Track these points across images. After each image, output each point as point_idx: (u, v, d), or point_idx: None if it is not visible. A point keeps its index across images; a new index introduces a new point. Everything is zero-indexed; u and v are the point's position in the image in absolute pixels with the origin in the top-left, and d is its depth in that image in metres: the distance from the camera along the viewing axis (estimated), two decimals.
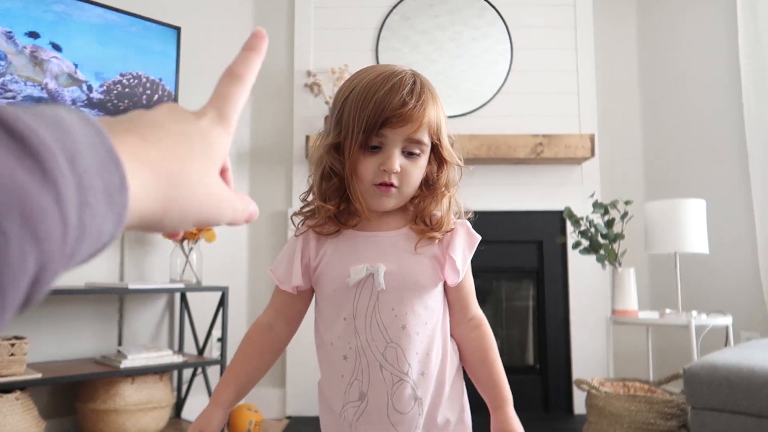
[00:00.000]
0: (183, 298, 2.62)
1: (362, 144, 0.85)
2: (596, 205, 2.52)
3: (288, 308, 0.95)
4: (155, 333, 2.61)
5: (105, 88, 2.38)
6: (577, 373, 2.87)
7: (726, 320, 2.38)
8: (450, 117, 3.03)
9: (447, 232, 0.89)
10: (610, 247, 2.49)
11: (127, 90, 2.44)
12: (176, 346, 2.64)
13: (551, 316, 2.98)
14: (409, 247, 0.88)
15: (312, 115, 3.02)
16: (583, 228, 2.56)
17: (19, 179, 0.21)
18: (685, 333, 2.30)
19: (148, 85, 2.50)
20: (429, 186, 0.91)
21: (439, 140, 0.89)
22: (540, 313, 3.01)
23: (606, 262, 2.53)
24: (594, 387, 2.18)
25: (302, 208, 0.95)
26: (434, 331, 0.89)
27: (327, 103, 2.94)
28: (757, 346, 1.99)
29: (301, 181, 2.98)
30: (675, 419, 2.05)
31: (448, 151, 0.91)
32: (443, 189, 0.90)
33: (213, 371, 2.52)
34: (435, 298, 0.90)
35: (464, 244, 0.91)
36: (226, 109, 0.36)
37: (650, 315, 2.47)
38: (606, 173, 3.09)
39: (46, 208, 0.21)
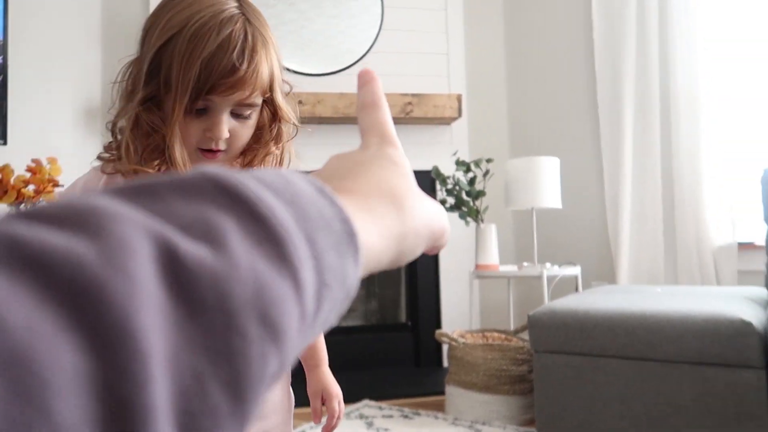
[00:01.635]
0: None
1: (186, 107, 0.75)
2: (458, 163, 2.58)
3: None
4: None
5: None
6: (446, 327, 2.96)
7: (575, 270, 2.55)
8: (320, 75, 2.96)
9: None
10: (473, 204, 2.56)
11: None
12: None
13: (422, 274, 3.04)
14: None
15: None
16: (449, 187, 2.61)
17: (258, 269, 0.18)
18: (541, 284, 2.43)
19: None
20: (257, 139, 0.82)
21: (272, 93, 0.79)
22: (411, 271, 3.07)
23: (469, 219, 2.61)
24: (453, 339, 2.26)
25: (108, 155, 0.82)
26: None
27: None
28: (598, 292, 2.14)
29: None
30: (526, 364, 2.16)
31: (281, 106, 0.81)
32: (271, 146, 0.82)
33: None
34: None
35: None
36: (385, 131, 0.36)
37: (510, 268, 2.59)
38: (474, 133, 3.17)
39: (285, 300, 0.19)
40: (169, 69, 0.74)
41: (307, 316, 0.21)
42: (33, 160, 2.25)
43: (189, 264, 0.17)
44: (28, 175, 2.21)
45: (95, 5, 2.75)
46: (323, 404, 0.92)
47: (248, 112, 0.78)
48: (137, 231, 0.17)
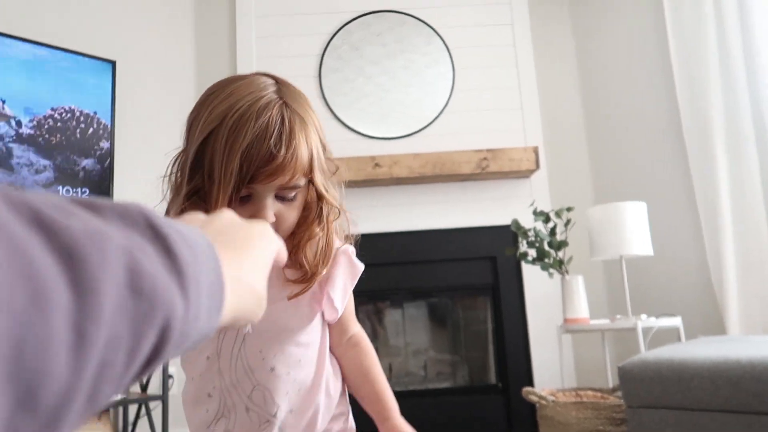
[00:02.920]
0: None
1: (230, 197, 0.76)
2: (536, 213, 2.51)
3: None
4: None
5: (35, 123, 2.36)
6: (538, 387, 2.80)
7: (675, 321, 2.35)
8: (397, 138, 3.05)
9: (324, 272, 0.82)
10: (555, 255, 2.46)
11: (59, 124, 2.42)
12: None
13: (510, 332, 2.92)
14: (281, 288, 0.80)
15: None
16: (530, 239, 2.54)
17: (172, 292, 0.26)
18: (633, 336, 2.26)
19: (81, 119, 2.49)
20: (304, 219, 0.82)
21: (312, 174, 0.79)
22: (498, 330, 2.96)
23: (554, 271, 2.51)
24: (542, 397, 2.12)
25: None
26: (309, 365, 0.82)
27: None
28: (696, 342, 1.95)
29: None
30: (624, 424, 1.98)
31: (321, 189, 0.81)
32: (315, 227, 0.82)
33: (156, 408, 2.43)
34: (310, 334, 0.83)
35: (345, 276, 0.84)
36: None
37: (603, 322, 2.43)
38: (554, 184, 3.09)
39: (179, 321, 0.27)
40: (212, 162, 0.75)
41: (183, 336, 0.27)
42: None
43: (143, 270, 0.25)
44: None
45: (190, 81, 3.02)
46: None
47: (292, 194, 0.78)
48: (115, 236, 0.25)
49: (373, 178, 2.92)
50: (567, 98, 3.29)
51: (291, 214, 0.79)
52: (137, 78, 2.78)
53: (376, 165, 2.95)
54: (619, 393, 2.24)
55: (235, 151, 0.73)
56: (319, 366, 0.84)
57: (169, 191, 0.84)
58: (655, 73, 2.94)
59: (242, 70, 3.06)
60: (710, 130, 2.62)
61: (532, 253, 2.55)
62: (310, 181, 0.80)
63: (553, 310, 2.86)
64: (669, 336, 2.49)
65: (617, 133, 3.11)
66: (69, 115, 2.46)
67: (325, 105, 3.08)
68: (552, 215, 2.51)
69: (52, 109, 2.42)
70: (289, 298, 0.80)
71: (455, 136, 3.06)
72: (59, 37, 2.52)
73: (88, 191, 2.43)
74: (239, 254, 0.37)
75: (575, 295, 2.45)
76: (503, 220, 2.95)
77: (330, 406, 0.86)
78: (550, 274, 2.50)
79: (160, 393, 2.33)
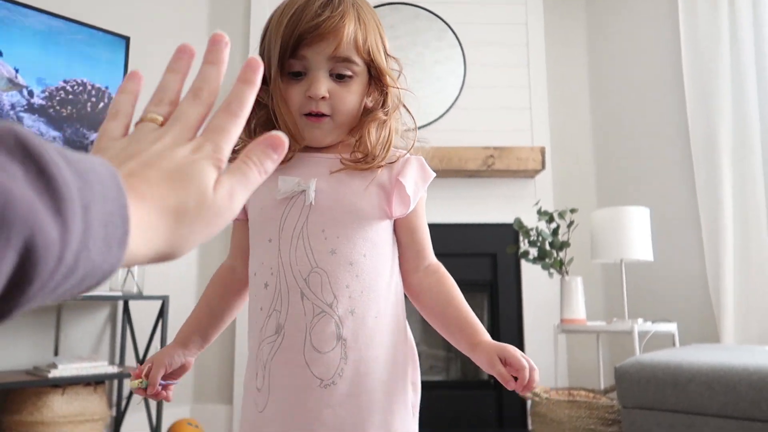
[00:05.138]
0: (125, 309, 2.56)
1: (283, 70, 0.78)
2: (540, 213, 2.53)
3: (245, 243, 0.85)
4: (96, 345, 2.53)
5: (47, 94, 2.36)
6: None
7: (671, 327, 2.37)
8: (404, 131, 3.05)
9: (383, 164, 0.79)
10: (556, 255, 2.48)
11: (70, 97, 2.42)
12: (117, 359, 2.57)
13: (505, 329, 2.94)
14: (347, 172, 0.79)
15: None
16: (532, 238, 2.56)
17: (36, 210, 0.24)
18: (631, 341, 2.28)
19: (93, 92, 2.49)
20: (365, 114, 0.82)
21: (372, 60, 0.80)
22: (494, 326, 2.98)
23: (554, 271, 2.52)
24: (536, 394, 2.15)
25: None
26: (376, 270, 0.78)
27: None
28: (692, 348, 1.98)
29: None
30: (616, 425, 2.01)
31: (384, 69, 0.81)
32: (379, 113, 0.81)
33: None
34: (379, 233, 0.79)
35: (417, 175, 0.82)
36: (222, 143, 0.36)
37: (599, 324, 2.45)
38: (559, 185, 3.11)
39: (50, 244, 0.24)
40: (268, 40, 0.80)
41: (63, 264, 0.25)
42: None
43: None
44: None
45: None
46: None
47: (346, 71, 0.78)
48: None
49: None
50: (576, 100, 3.30)
51: (347, 96, 0.79)
52: (150, 55, 2.78)
53: None
54: (612, 394, 2.27)
55: (283, 18, 0.77)
56: (389, 283, 0.79)
57: None
58: (666, 81, 2.95)
59: (257, 48, 3.06)
60: (717, 140, 2.64)
61: (533, 252, 2.57)
62: (370, 69, 0.80)
63: (550, 310, 2.88)
64: (664, 341, 2.51)
65: (624, 138, 3.13)
66: (81, 88, 2.46)
67: None
68: (555, 216, 2.52)
69: (65, 81, 2.42)
70: (332, 172, 0.78)
71: (463, 132, 3.07)
72: (75, 9, 2.52)
73: None
74: (160, 187, 0.32)
75: (574, 296, 2.47)
76: (505, 218, 2.96)
77: (406, 351, 0.81)
78: (551, 274, 2.52)
79: None
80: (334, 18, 0.76)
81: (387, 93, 0.82)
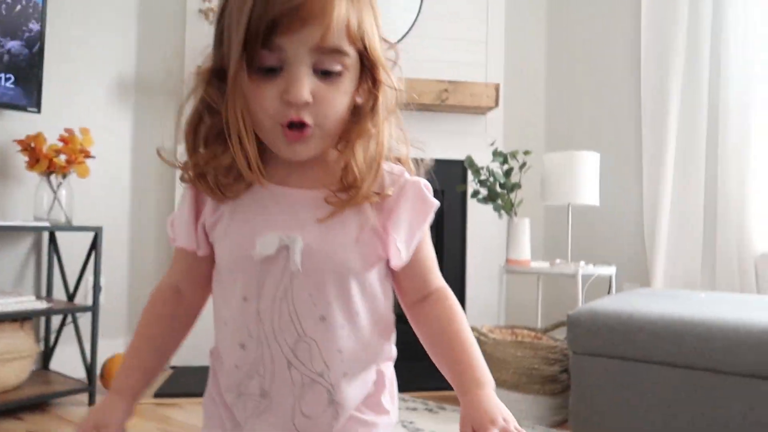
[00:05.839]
0: (52, 239, 2.36)
1: (251, 63, 0.58)
2: (495, 154, 2.50)
3: (195, 270, 0.71)
4: (19, 278, 2.34)
5: None
6: (472, 322, 2.89)
7: (610, 270, 2.47)
8: None
9: (371, 196, 0.63)
10: (507, 196, 2.49)
11: None
12: (44, 292, 2.39)
13: (449, 266, 2.98)
14: (336, 219, 0.64)
15: (207, 44, 2.77)
16: (483, 177, 2.54)
17: None
18: (573, 283, 2.36)
19: None
20: (356, 119, 0.64)
21: (367, 49, 0.61)
22: (438, 264, 3.00)
23: (503, 212, 2.54)
24: (482, 333, 2.20)
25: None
26: (371, 323, 0.68)
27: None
28: (637, 294, 2.07)
29: None
30: (558, 364, 2.10)
31: (378, 60, 0.62)
32: (367, 123, 0.63)
33: (85, 319, 2.31)
34: (373, 284, 0.67)
35: (412, 214, 0.66)
36: None
37: (542, 265, 2.52)
38: (509, 125, 3.09)
39: None
40: (229, 23, 0.60)
41: None
42: (66, 130, 2.21)
43: None
44: (60, 144, 2.18)
45: None
46: None
47: (335, 66, 0.60)
48: None
49: None
50: (533, 38, 3.24)
51: (336, 98, 0.61)
52: None
53: None
54: (553, 334, 2.37)
55: None
56: (382, 329, 0.70)
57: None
58: (622, 26, 2.93)
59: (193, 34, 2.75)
60: (667, 91, 2.68)
61: (483, 192, 2.57)
62: (363, 59, 0.62)
63: (494, 248, 2.93)
64: (600, 282, 2.62)
65: (577, 83, 3.12)
66: None
67: None
68: (509, 157, 2.51)
69: None
70: (320, 220, 0.62)
71: (418, 63, 2.95)
72: None
73: (13, 78, 2.15)
74: None
75: (521, 237, 2.51)
76: (454, 154, 2.92)
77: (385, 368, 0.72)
78: (500, 215, 2.54)
79: (90, 304, 2.20)
80: None
81: (378, 93, 0.64)
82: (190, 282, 0.72)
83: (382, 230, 0.65)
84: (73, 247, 2.39)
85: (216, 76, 0.63)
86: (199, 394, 0.76)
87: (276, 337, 0.64)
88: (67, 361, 2.38)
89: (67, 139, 2.19)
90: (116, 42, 2.65)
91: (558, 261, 2.54)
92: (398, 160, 0.69)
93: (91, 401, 2.17)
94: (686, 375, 1.53)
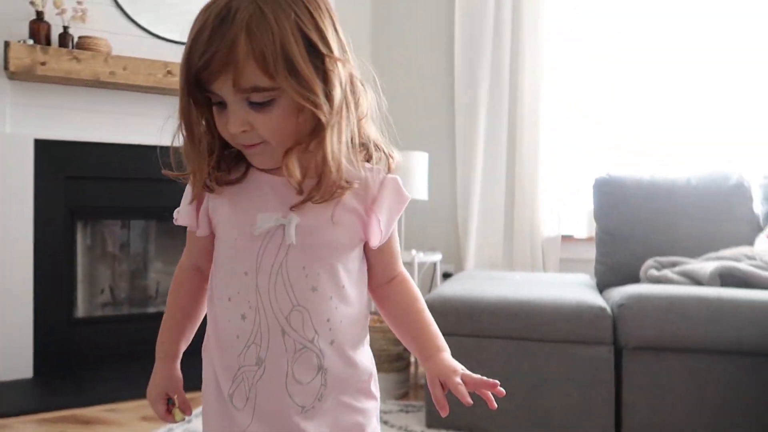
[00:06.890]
0: None
1: (202, 101, 0.71)
2: None
3: (210, 249, 0.82)
4: None
5: None
6: None
7: (437, 257, 2.84)
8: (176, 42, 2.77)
9: (340, 192, 0.72)
10: None
11: None
12: None
13: None
14: (326, 205, 0.74)
15: (13, 14, 2.47)
16: None
17: None
18: (409, 269, 2.66)
19: None
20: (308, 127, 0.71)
21: (292, 72, 0.66)
22: None
23: None
24: None
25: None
26: (354, 297, 0.78)
27: (32, 3, 2.42)
28: (471, 277, 2.43)
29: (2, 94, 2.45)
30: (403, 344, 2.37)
31: (298, 96, 0.67)
32: (309, 136, 0.70)
33: None
34: (355, 261, 0.79)
35: (392, 203, 0.78)
36: None
37: None
38: None
39: None
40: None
41: None
42: None
43: None
44: None
45: None
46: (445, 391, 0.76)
47: (260, 99, 0.67)
48: None
49: (165, 87, 2.67)
50: (358, 49, 3.43)
51: (271, 121, 0.68)
52: None
53: (169, 73, 2.70)
54: None
55: (186, 49, 0.68)
56: (361, 302, 0.81)
57: None
58: (439, 40, 3.32)
59: None
60: (477, 94, 3.16)
61: None
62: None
63: None
64: (420, 266, 2.97)
65: (401, 91, 3.43)
66: None
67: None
68: None
69: None
70: (291, 207, 0.72)
71: None
72: None
73: None
74: None
75: None
76: None
77: (364, 343, 0.83)
78: None
79: None
80: (221, 51, 0.65)
81: (331, 95, 0.70)
82: (206, 259, 0.83)
83: (365, 215, 0.77)
84: None
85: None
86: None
87: (272, 307, 0.74)
88: None
89: None
90: None
91: None
92: (376, 150, 0.81)
93: None
94: (519, 346, 1.90)
